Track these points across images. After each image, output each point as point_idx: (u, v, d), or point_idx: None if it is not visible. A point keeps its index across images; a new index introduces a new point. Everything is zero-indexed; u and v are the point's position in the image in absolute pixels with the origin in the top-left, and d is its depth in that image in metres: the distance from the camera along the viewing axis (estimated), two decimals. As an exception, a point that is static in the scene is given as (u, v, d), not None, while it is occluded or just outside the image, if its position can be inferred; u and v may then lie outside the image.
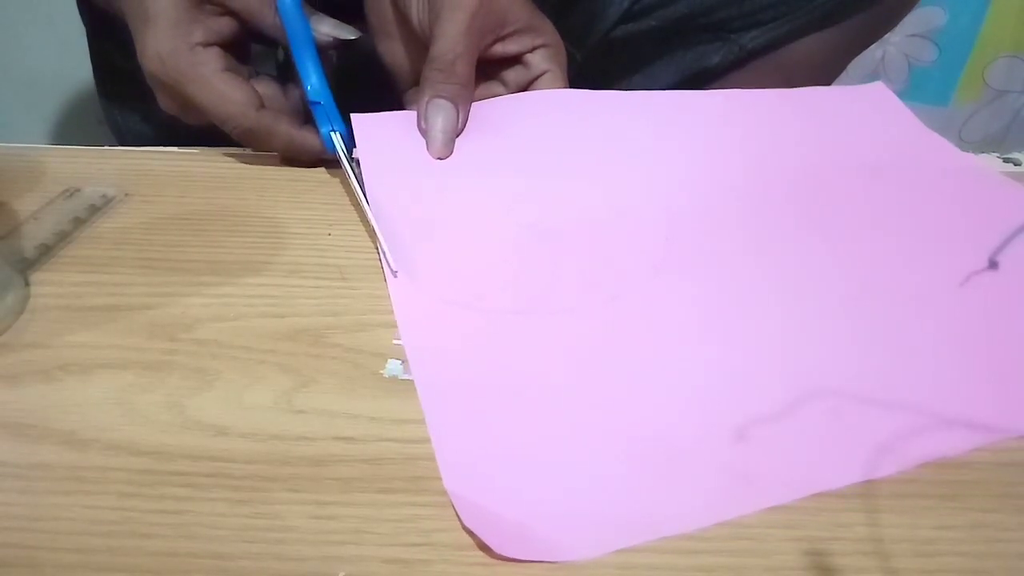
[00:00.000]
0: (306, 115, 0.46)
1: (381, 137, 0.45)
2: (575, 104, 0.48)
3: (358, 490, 0.28)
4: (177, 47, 0.43)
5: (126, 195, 0.44)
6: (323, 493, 0.28)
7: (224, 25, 0.44)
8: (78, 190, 0.44)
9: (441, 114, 0.44)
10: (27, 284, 0.37)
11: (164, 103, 0.46)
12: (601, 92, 0.49)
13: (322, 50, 0.44)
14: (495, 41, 0.47)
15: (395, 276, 0.37)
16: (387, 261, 0.38)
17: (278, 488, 0.28)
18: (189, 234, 0.41)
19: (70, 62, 0.97)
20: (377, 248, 0.39)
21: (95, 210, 0.42)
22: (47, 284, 0.37)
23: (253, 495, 0.27)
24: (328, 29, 0.44)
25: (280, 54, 0.51)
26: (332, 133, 0.43)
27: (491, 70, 0.50)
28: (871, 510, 0.27)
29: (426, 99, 0.44)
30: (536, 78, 0.49)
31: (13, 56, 0.97)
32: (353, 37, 0.45)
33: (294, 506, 0.27)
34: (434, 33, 0.45)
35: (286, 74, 0.45)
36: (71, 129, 0.99)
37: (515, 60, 0.49)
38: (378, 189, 0.42)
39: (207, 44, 0.44)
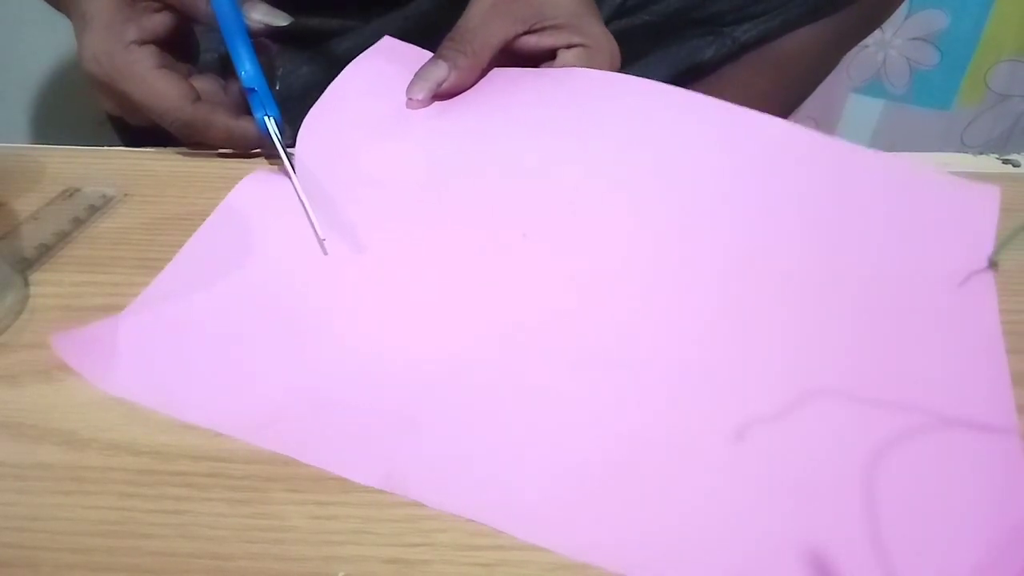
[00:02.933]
0: (246, 108, 0.46)
1: (378, 69, 0.47)
2: (600, 86, 0.47)
3: (358, 490, 0.28)
4: (111, 47, 0.43)
5: (126, 195, 0.44)
6: (323, 493, 0.27)
7: (158, 23, 0.45)
8: (78, 190, 0.44)
9: (432, 67, 0.45)
10: (27, 284, 0.37)
11: (106, 104, 0.47)
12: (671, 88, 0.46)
13: (255, 36, 0.44)
14: (527, 32, 0.48)
15: (323, 244, 0.38)
16: (315, 230, 0.39)
17: (278, 488, 0.28)
18: (189, 234, 0.41)
19: (70, 62, 0.97)
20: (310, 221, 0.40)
21: (95, 210, 0.42)
22: (47, 284, 0.37)
23: (253, 495, 0.27)
24: (260, 16, 0.44)
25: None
26: (266, 118, 0.43)
27: (526, 64, 0.50)
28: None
29: (428, 60, 0.46)
30: None
31: (13, 56, 0.97)
32: (285, 23, 0.45)
33: (294, 506, 0.27)
34: (464, 13, 0.47)
35: (229, 69, 0.45)
36: (71, 129, 0.99)
37: (550, 56, 0.49)
38: (328, 117, 0.44)
39: (141, 42, 0.44)
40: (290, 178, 0.41)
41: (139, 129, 0.48)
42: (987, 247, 0.37)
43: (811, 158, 0.42)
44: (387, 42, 0.49)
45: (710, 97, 0.44)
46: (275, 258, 0.38)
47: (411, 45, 0.49)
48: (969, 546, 0.25)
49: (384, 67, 0.47)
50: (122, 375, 0.32)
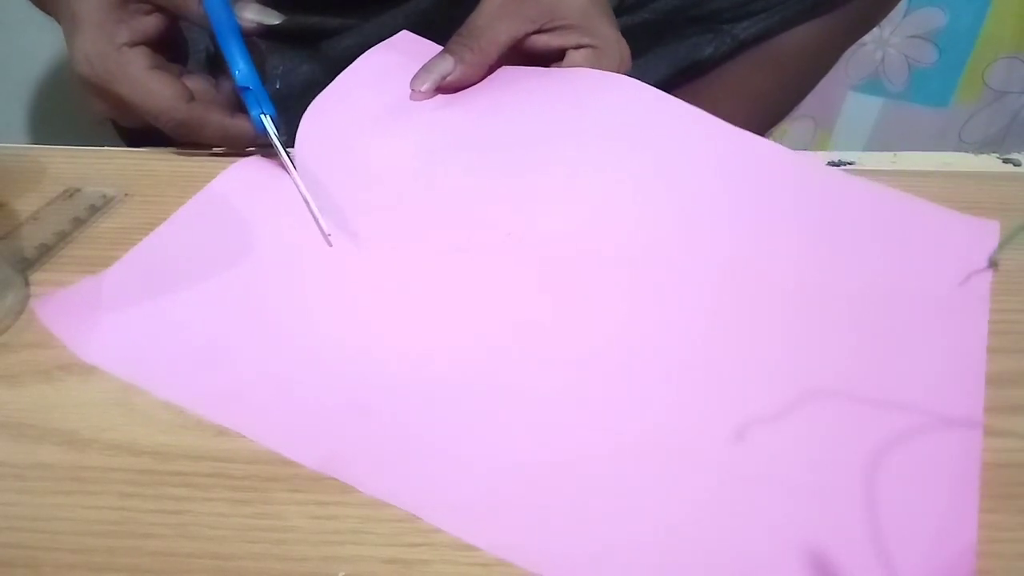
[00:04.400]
0: (239, 106, 0.46)
1: (387, 63, 0.47)
2: (613, 90, 0.46)
3: (358, 490, 0.28)
4: (104, 49, 0.43)
5: (126, 195, 0.44)
6: (323, 493, 0.28)
7: (149, 24, 0.45)
8: (78, 190, 0.44)
9: (439, 60, 0.46)
10: (27, 284, 0.37)
11: (97, 107, 0.47)
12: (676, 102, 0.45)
13: (247, 36, 0.44)
14: (537, 31, 0.48)
15: (328, 239, 0.39)
16: (319, 226, 0.40)
17: (278, 488, 0.28)
18: (189, 234, 0.41)
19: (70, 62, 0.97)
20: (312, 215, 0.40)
21: (95, 210, 0.42)
22: (47, 284, 0.37)
23: (253, 495, 0.27)
24: (252, 15, 0.44)
25: (211, 47, 0.51)
26: (262, 116, 0.44)
27: (536, 62, 0.50)
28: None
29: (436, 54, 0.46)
30: None
31: (13, 56, 0.97)
32: (277, 22, 0.45)
33: (294, 506, 0.27)
34: (475, 10, 0.47)
35: (218, 68, 0.45)
36: (71, 129, 0.99)
37: (560, 56, 0.49)
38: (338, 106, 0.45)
39: (133, 44, 0.44)
40: (289, 173, 0.42)
41: (139, 129, 0.48)
42: (986, 276, 0.37)
43: (811, 181, 0.42)
44: (403, 36, 0.50)
45: (712, 116, 0.44)
46: (256, 243, 0.39)
47: (426, 40, 0.49)
48: (966, 545, 0.26)
49: (394, 60, 0.47)
50: (97, 340, 0.33)
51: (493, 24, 0.46)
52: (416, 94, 0.45)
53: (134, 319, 0.35)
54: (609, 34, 0.49)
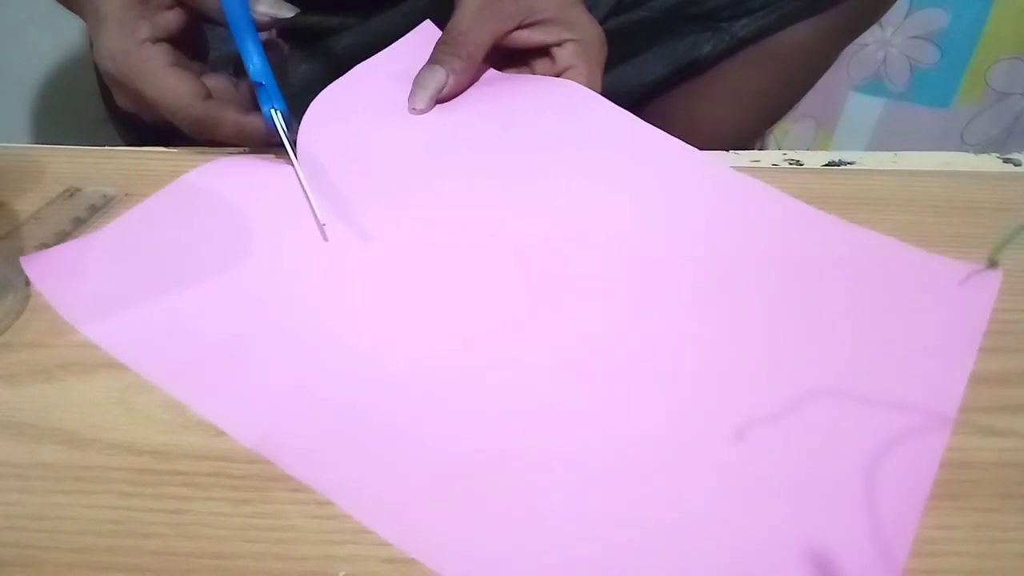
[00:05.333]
0: (257, 106, 0.46)
1: (411, 54, 0.48)
2: (582, 107, 0.47)
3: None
4: (126, 45, 0.44)
5: (126, 195, 0.44)
6: (323, 493, 0.28)
7: (171, 19, 0.45)
8: (78, 190, 0.44)
9: (430, 74, 0.46)
10: (27, 284, 0.37)
11: (121, 100, 0.47)
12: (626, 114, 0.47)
13: (262, 30, 0.45)
14: (518, 27, 0.48)
15: (323, 229, 0.40)
16: (315, 214, 0.40)
17: (279, 488, 0.28)
18: (189, 234, 0.41)
19: (70, 62, 0.97)
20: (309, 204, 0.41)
21: (95, 210, 0.42)
22: (47, 284, 0.37)
23: (254, 495, 0.27)
24: (265, 8, 0.44)
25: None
26: (272, 111, 0.44)
27: (519, 59, 0.51)
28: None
29: (424, 65, 0.47)
30: (561, 73, 0.49)
31: (13, 56, 0.97)
32: (291, 15, 0.45)
33: (294, 506, 0.27)
34: (453, 14, 0.47)
35: (243, 68, 0.46)
36: (71, 129, 0.99)
37: (544, 51, 0.50)
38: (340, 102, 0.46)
39: (155, 40, 0.44)
40: (294, 167, 0.42)
41: (142, 128, 0.48)
42: (992, 278, 0.36)
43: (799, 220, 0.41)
44: (427, 26, 0.50)
45: (695, 149, 0.45)
46: (240, 224, 0.41)
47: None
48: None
49: (417, 52, 0.48)
50: (75, 299, 0.36)
51: (476, 27, 0.47)
52: (415, 112, 0.46)
53: (109, 285, 0.36)
54: (586, 22, 0.50)
